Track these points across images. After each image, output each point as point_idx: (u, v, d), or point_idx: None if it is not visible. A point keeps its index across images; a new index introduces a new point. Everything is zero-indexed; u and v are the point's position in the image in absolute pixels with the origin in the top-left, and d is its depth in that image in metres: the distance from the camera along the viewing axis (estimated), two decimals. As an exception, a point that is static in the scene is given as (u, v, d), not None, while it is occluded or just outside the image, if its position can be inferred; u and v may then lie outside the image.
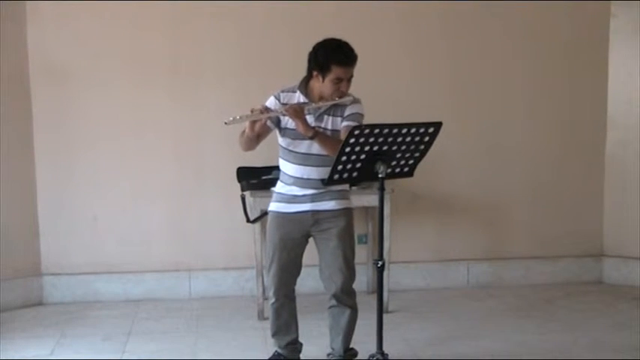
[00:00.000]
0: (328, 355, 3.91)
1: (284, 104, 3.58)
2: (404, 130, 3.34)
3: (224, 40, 5.15)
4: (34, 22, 4.98)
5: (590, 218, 5.64)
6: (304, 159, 3.60)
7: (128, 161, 5.17)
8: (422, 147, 3.45)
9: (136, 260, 5.22)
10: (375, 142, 3.32)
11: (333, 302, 3.76)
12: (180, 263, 5.27)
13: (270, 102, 3.63)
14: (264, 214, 4.42)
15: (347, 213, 3.71)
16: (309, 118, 3.56)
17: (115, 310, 5.02)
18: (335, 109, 3.60)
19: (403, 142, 3.39)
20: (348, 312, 3.76)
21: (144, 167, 5.19)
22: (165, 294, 5.25)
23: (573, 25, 5.46)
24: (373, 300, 3.64)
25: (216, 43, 5.15)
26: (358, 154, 3.33)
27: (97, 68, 5.07)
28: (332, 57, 3.47)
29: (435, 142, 3.46)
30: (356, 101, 3.61)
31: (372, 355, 3.58)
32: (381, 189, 3.47)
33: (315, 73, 3.54)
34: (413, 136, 3.38)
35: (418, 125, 3.37)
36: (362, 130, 3.26)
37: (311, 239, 3.76)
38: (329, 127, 3.60)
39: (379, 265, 3.50)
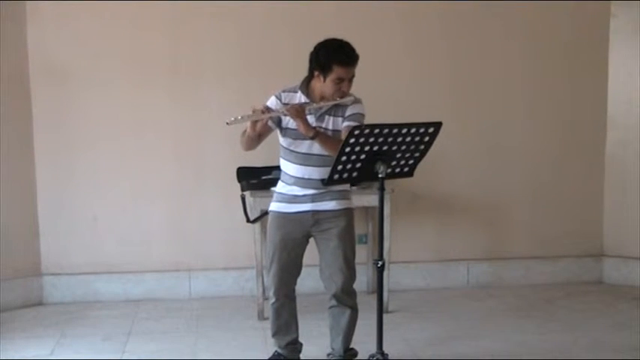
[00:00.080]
0: (328, 355, 3.91)
1: (285, 104, 3.58)
2: (404, 130, 3.34)
3: (224, 40, 5.15)
4: (34, 22, 4.98)
5: (590, 218, 5.64)
6: (305, 159, 3.60)
7: (128, 161, 5.17)
8: (422, 147, 3.45)
9: (136, 260, 5.22)
10: (375, 142, 3.32)
11: (334, 302, 3.76)
12: (180, 263, 5.27)
13: (272, 102, 3.63)
14: (264, 214, 4.42)
15: (347, 213, 3.71)
16: (310, 118, 3.56)
17: (115, 310, 5.02)
18: (336, 109, 3.60)
19: (403, 142, 3.39)
20: (348, 312, 3.76)
21: (144, 167, 5.18)
22: (165, 294, 5.25)
23: (573, 25, 5.46)
24: (373, 300, 3.64)
25: (216, 43, 5.15)
26: (358, 154, 3.33)
27: (97, 68, 5.07)
28: (333, 57, 3.47)
29: (435, 142, 3.46)
30: (357, 101, 3.61)
31: (372, 355, 3.58)
32: (381, 189, 3.47)
33: (316, 73, 3.54)
34: (413, 136, 3.38)
35: (418, 125, 3.37)
36: (362, 130, 3.27)
37: (311, 239, 3.76)
38: (330, 127, 3.59)
39: (379, 265, 3.50)
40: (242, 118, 3.49)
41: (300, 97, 3.61)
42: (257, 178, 4.84)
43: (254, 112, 3.50)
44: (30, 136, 5.05)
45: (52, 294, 5.18)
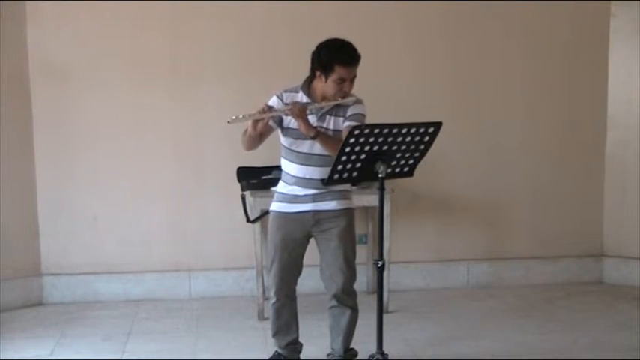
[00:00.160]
0: (328, 355, 3.91)
1: (286, 104, 3.58)
2: (404, 130, 3.34)
3: (224, 40, 5.15)
4: (34, 22, 4.98)
5: (590, 218, 5.64)
6: (306, 159, 3.60)
7: (128, 161, 5.17)
8: (422, 147, 3.45)
9: (136, 260, 5.22)
10: (375, 142, 3.32)
11: (334, 302, 3.76)
12: (181, 263, 5.27)
13: (273, 101, 3.62)
14: (265, 213, 4.42)
15: (348, 213, 3.71)
16: (312, 118, 3.56)
17: (115, 310, 5.02)
18: (337, 110, 3.60)
19: (403, 142, 3.39)
20: (348, 312, 3.76)
21: (144, 167, 5.18)
22: (165, 294, 5.25)
23: (573, 25, 5.46)
24: (373, 300, 3.65)
25: (216, 43, 5.15)
26: (358, 154, 3.33)
27: (97, 68, 5.07)
28: (335, 57, 3.47)
29: (435, 142, 3.46)
30: (358, 102, 3.61)
31: (372, 355, 3.58)
32: (381, 189, 3.47)
33: (318, 73, 3.54)
34: (413, 136, 3.38)
35: (418, 125, 3.37)
36: (362, 130, 3.27)
37: (312, 239, 3.76)
38: (331, 127, 3.59)
39: (379, 265, 3.51)
40: (243, 117, 3.49)
41: (301, 97, 3.61)
42: (257, 178, 4.84)
43: (256, 111, 3.50)
44: (30, 136, 5.05)
45: (52, 294, 5.18)
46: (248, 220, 4.71)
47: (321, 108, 3.58)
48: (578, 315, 4.89)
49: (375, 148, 3.34)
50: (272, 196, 3.82)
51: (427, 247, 5.50)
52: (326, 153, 3.52)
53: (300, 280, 3.82)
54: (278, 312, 3.79)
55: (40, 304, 5.15)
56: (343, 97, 3.55)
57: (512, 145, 5.51)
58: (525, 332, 4.54)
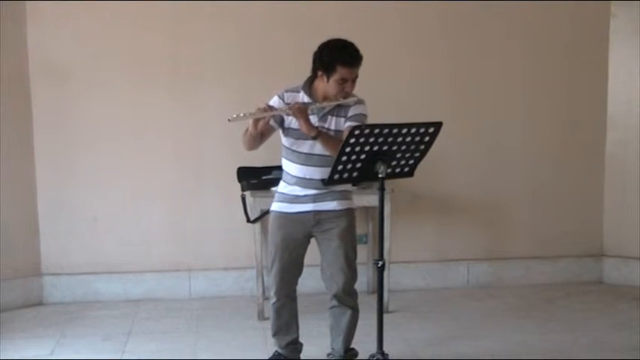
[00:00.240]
0: (328, 355, 3.91)
1: (288, 104, 3.58)
2: (404, 130, 3.35)
3: (224, 40, 5.15)
4: (34, 22, 4.98)
5: (590, 218, 5.64)
6: (307, 159, 3.60)
7: (128, 161, 5.17)
8: (422, 147, 3.45)
9: (136, 260, 5.22)
10: (375, 142, 3.32)
11: (335, 302, 3.76)
12: (181, 263, 5.27)
13: (274, 101, 3.63)
14: (265, 213, 4.42)
15: (349, 213, 3.71)
16: (313, 118, 3.56)
17: (115, 310, 5.02)
18: (339, 110, 3.60)
19: (403, 142, 3.39)
20: (349, 312, 3.76)
21: (144, 167, 5.18)
22: (165, 294, 5.25)
23: (573, 25, 5.46)
24: (373, 300, 3.64)
25: (216, 43, 5.15)
26: (358, 154, 3.33)
27: (97, 68, 5.07)
28: (337, 57, 3.47)
29: (435, 142, 3.46)
30: (360, 102, 3.61)
31: (372, 355, 3.58)
32: (381, 189, 3.48)
33: (319, 73, 3.54)
34: (413, 136, 3.38)
35: (418, 125, 3.37)
36: (362, 130, 3.27)
37: (313, 239, 3.76)
38: (332, 127, 3.60)
39: (379, 265, 3.51)
40: (244, 115, 3.49)
41: (302, 97, 3.61)
42: (257, 178, 4.84)
43: (257, 110, 3.50)
44: (30, 136, 5.04)
45: (52, 294, 5.18)
46: (248, 220, 4.71)
47: (323, 108, 3.58)
48: (578, 315, 4.89)
49: (375, 148, 3.34)
50: (272, 196, 3.83)
51: (427, 247, 5.50)
52: (327, 153, 3.52)
53: (300, 280, 3.82)
54: (278, 312, 3.79)
55: (40, 304, 5.15)
56: (345, 98, 3.55)
57: (512, 145, 5.51)
58: (525, 332, 4.54)
